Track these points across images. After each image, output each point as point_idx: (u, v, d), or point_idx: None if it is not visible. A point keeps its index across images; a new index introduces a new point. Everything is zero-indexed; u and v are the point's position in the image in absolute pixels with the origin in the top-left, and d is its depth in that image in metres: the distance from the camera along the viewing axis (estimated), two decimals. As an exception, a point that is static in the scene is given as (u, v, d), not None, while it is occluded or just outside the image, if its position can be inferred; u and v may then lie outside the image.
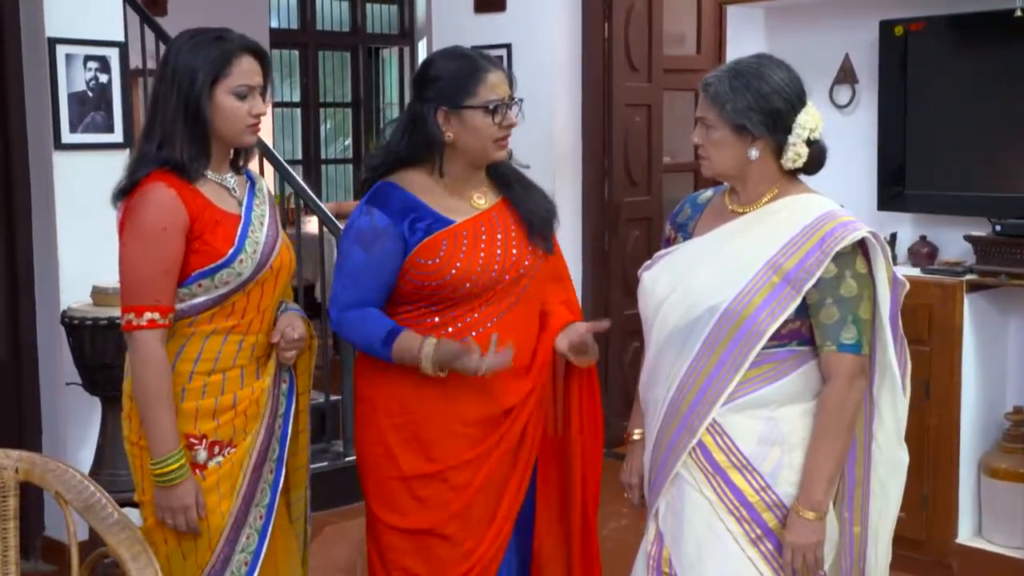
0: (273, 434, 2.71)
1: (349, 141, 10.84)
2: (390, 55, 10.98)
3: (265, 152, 5.37)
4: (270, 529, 2.68)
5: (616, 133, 5.72)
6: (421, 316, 2.70)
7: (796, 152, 2.44)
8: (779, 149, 2.45)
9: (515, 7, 5.63)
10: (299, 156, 10.21)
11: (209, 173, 2.64)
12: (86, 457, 4.04)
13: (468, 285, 2.67)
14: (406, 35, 10.81)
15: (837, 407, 2.41)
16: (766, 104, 2.41)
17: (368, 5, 10.56)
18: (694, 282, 2.48)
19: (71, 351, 3.88)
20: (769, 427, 2.43)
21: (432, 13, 6.16)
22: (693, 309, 2.45)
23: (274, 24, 9.67)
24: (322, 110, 10.47)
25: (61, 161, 4.13)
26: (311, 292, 6.61)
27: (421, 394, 2.70)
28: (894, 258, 4.35)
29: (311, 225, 6.65)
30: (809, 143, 2.45)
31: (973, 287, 4.10)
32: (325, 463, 5.01)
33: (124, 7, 5.66)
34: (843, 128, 4.63)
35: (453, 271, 2.65)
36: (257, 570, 2.65)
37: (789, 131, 2.43)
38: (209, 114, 2.57)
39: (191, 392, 2.60)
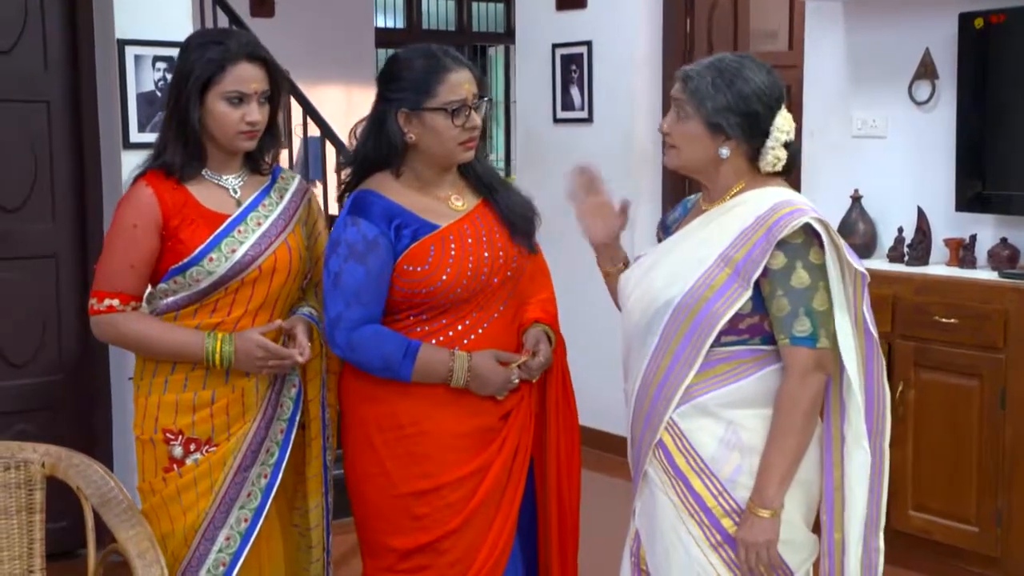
0: (269, 437, 2.70)
1: (454, 139, 10.86)
2: (496, 53, 11.00)
3: (340, 151, 5.41)
4: (255, 533, 2.67)
5: (697, 131, 5.60)
6: (409, 326, 2.63)
7: (776, 156, 2.39)
8: (753, 151, 2.41)
9: (596, 4, 5.58)
10: (404, 154, 10.29)
11: (207, 173, 2.67)
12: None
13: (459, 290, 2.59)
14: (512, 33, 10.77)
15: (790, 402, 2.34)
16: (745, 106, 2.36)
17: (474, 4, 10.59)
18: (653, 278, 2.45)
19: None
20: (728, 432, 2.39)
21: (515, 11, 6.15)
22: (651, 305, 2.43)
23: (380, 24, 9.75)
24: (428, 109, 10.53)
25: (130, 160, 4.16)
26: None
27: (415, 408, 2.62)
28: (972, 260, 4.20)
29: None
30: (785, 146, 2.40)
31: (1053, 292, 3.90)
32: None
33: (215, 8, 5.81)
34: (923, 126, 4.47)
35: (444, 277, 2.57)
36: (235, 572, 2.65)
37: (766, 134, 2.38)
38: (199, 118, 2.59)
39: (173, 383, 2.65)
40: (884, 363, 2.42)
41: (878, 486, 2.42)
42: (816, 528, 2.48)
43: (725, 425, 2.38)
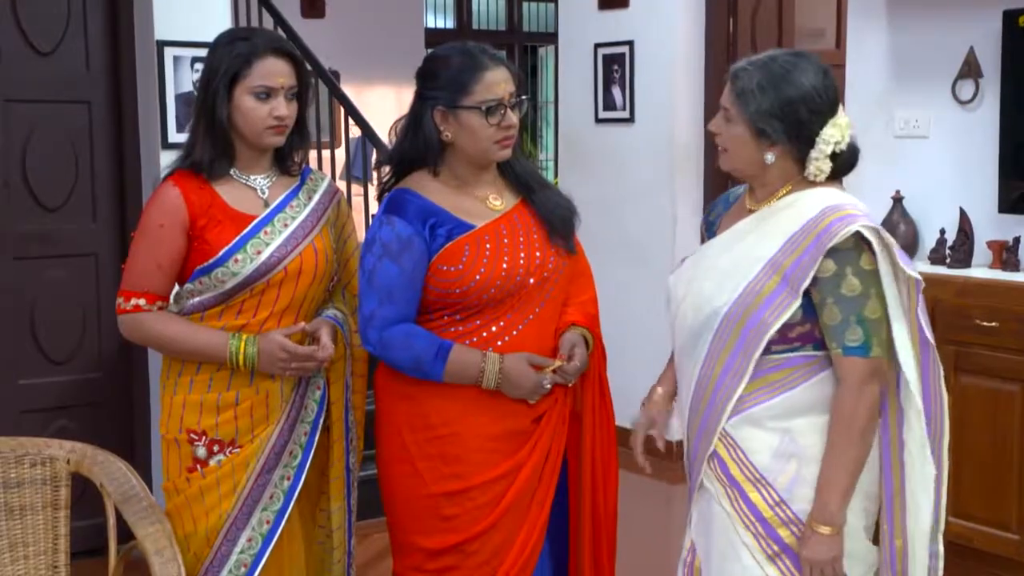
0: (292, 440, 2.70)
1: (505, 139, 10.86)
2: (546, 53, 10.98)
3: (381, 151, 5.42)
4: (277, 535, 2.67)
5: (740, 131, 5.54)
6: (443, 326, 2.61)
7: (818, 167, 2.31)
8: (801, 155, 2.33)
9: (638, 3, 5.56)
10: (454, 154, 10.31)
11: (235, 172, 2.67)
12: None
13: (493, 291, 2.57)
14: (563, 33, 10.78)
15: (847, 414, 2.27)
16: (790, 113, 2.28)
17: (524, 4, 10.58)
18: (703, 284, 2.40)
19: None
20: (784, 440, 2.32)
21: (559, 10, 6.14)
22: (700, 312, 2.37)
23: (430, 24, 9.78)
24: (478, 108, 10.53)
25: (169, 160, 4.20)
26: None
27: (446, 409, 2.61)
28: (1016, 263, 4.11)
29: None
30: (835, 155, 2.32)
31: (1098, 296, 3.81)
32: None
33: (260, 9, 5.85)
34: (966, 125, 4.39)
35: (477, 277, 2.56)
36: (257, 573, 2.65)
37: (812, 143, 2.31)
38: (227, 114, 2.59)
39: (198, 384, 2.65)
40: (942, 370, 2.34)
41: (938, 491, 2.34)
42: (875, 539, 2.41)
43: (780, 435, 2.32)
